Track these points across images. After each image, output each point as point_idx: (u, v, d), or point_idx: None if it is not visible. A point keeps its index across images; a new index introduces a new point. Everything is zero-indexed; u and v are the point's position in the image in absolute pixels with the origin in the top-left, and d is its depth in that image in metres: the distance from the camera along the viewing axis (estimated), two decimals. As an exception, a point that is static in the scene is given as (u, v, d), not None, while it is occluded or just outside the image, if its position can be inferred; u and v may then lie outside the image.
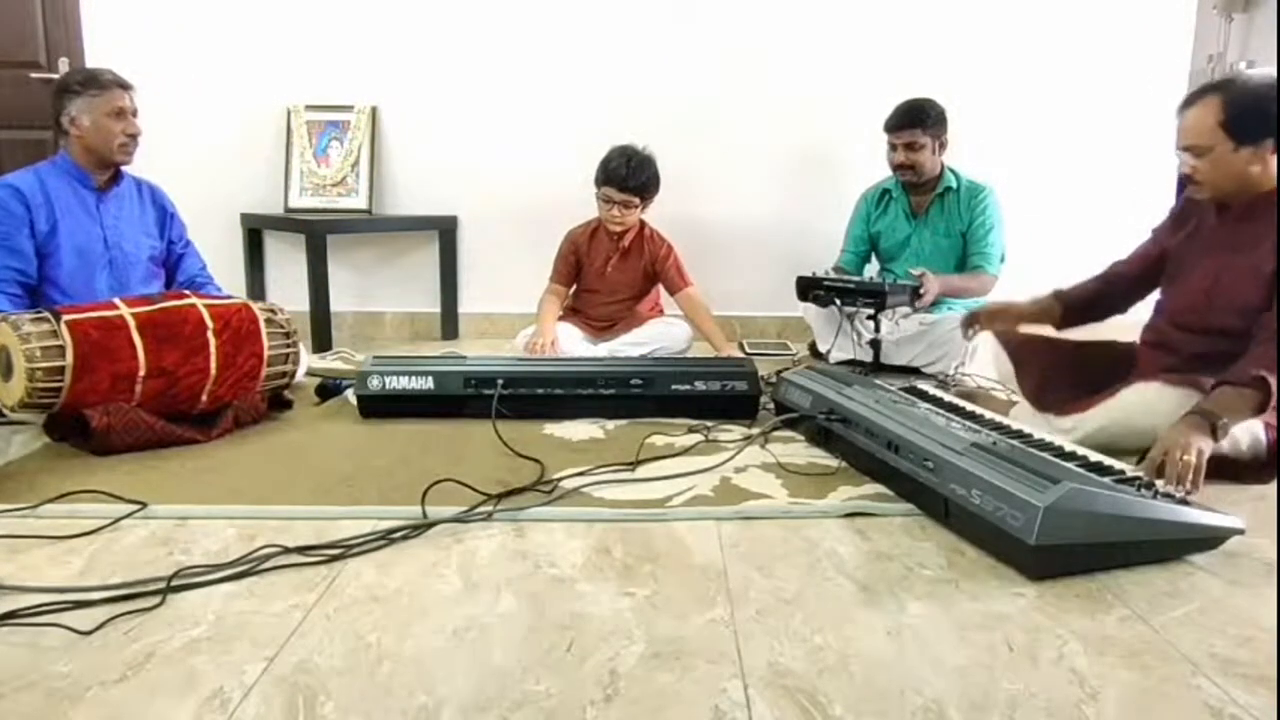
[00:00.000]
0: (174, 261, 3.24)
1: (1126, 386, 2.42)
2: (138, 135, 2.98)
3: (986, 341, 3.24)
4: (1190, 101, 2.40)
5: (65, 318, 2.41)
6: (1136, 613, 1.66)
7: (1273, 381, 2.14)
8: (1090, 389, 2.55)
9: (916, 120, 3.59)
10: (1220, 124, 2.32)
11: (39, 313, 2.46)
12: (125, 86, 2.95)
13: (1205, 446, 2.06)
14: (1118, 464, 2.05)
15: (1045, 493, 1.74)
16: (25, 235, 2.83)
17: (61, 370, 2.37)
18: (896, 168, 3.68)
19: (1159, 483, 1.95)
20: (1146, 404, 2.33)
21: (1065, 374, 2.64)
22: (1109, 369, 2.63)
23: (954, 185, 3.68)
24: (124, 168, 3.04)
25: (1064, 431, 2.45)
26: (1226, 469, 2.28)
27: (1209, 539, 1.90)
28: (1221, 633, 1.59)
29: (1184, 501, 1.89)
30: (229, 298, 2.86)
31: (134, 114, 2.96)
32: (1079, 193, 4.30)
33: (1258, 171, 2.35)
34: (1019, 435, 2.27)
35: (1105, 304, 2.82)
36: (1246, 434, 2.27)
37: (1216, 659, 1.50)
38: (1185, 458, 2.01)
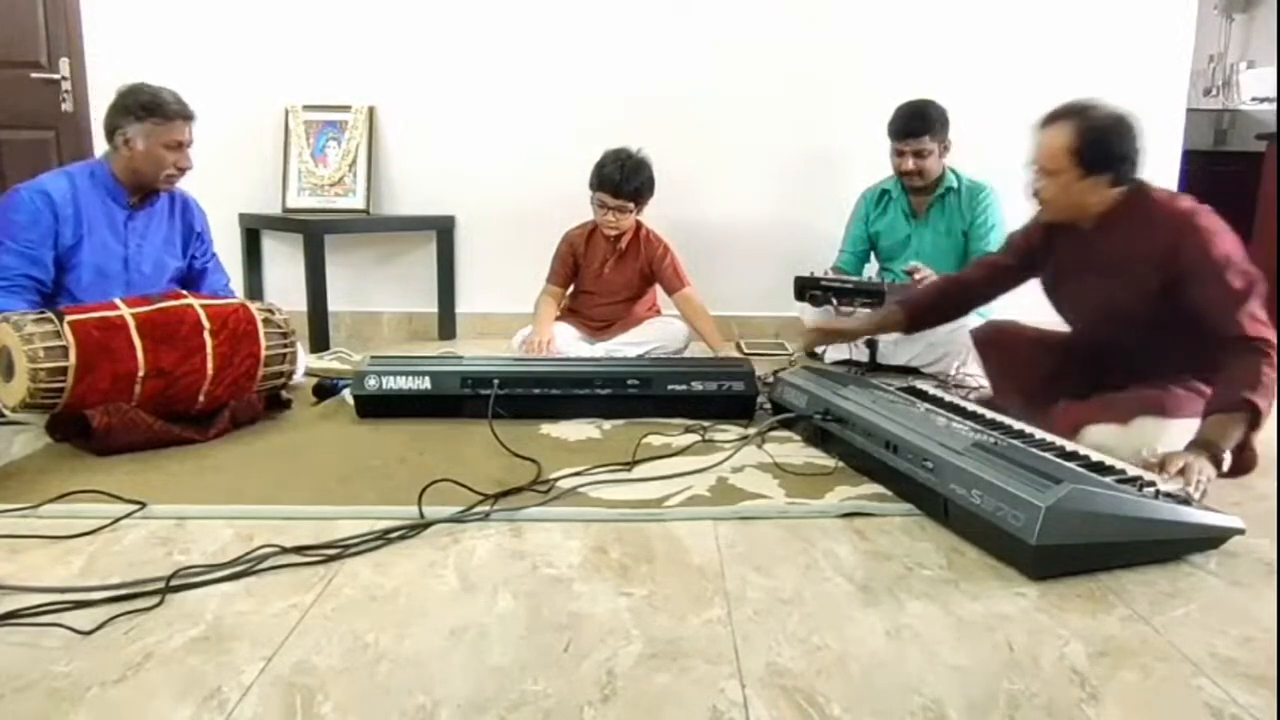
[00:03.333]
0: (194, 276, 3.18)
1: (1087, 425, 2.42)
2: (187, 169, 2.92)
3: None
4: (1048, 121, 2.47)
5: (68, 318, 2.41)
6: (1137, 613, 1.65)
7: (1259, 402, 2.16)
8: (1042, 383, 2.61)
9: (924, 128, 3.55)
10: (1071, 150, 2.39)
11: (42, 313, 2.45)
12: (188, 118, 2.89)
13: (1210, 472, 2.08)
14: (1119, 464, 2.05)
15: (1046, 492, 1.74)
16: (49, 246, 2.78)
17: (64, 370, 2.36)
18: (903, 174, 3.66)
19: (1159, 480, 1.95)
20: (1103, 443, 2.34)
21: (1040, 371, 2.66)
22: (1059, 363, 2.68)
23: (955, 185, 3.66)
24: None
25: None
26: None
27: (1209, 539, 1.90)
28: (1222, 633, 1.59)
29: (1185, 501, 1.89)
30: (227, 298, 2.86)
31: (189, 144, 2.90)
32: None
33: (1094, 200, 2.44)
34: (1020, 435, 2.27)
35: (945, 308, 2.96)
36: None
37: (1217, 659, 1.50)
38: (1199, 477, 2.02)
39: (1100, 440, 2.34)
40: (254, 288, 4.29)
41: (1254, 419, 2.18)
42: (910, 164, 3.58)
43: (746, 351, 3.91)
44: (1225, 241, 2.32)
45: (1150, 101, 4.21)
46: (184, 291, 2.76)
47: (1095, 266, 2.51)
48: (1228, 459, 2.19)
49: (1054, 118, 2.46)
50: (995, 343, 2.85)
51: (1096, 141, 2.38)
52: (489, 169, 4.26)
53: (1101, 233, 2.48)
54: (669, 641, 1.52)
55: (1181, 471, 2.04)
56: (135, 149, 2.84)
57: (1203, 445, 2.15)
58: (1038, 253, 2.69)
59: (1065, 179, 2.41)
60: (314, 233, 3.90)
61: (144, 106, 2.83)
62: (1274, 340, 2.23)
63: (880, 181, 3.83)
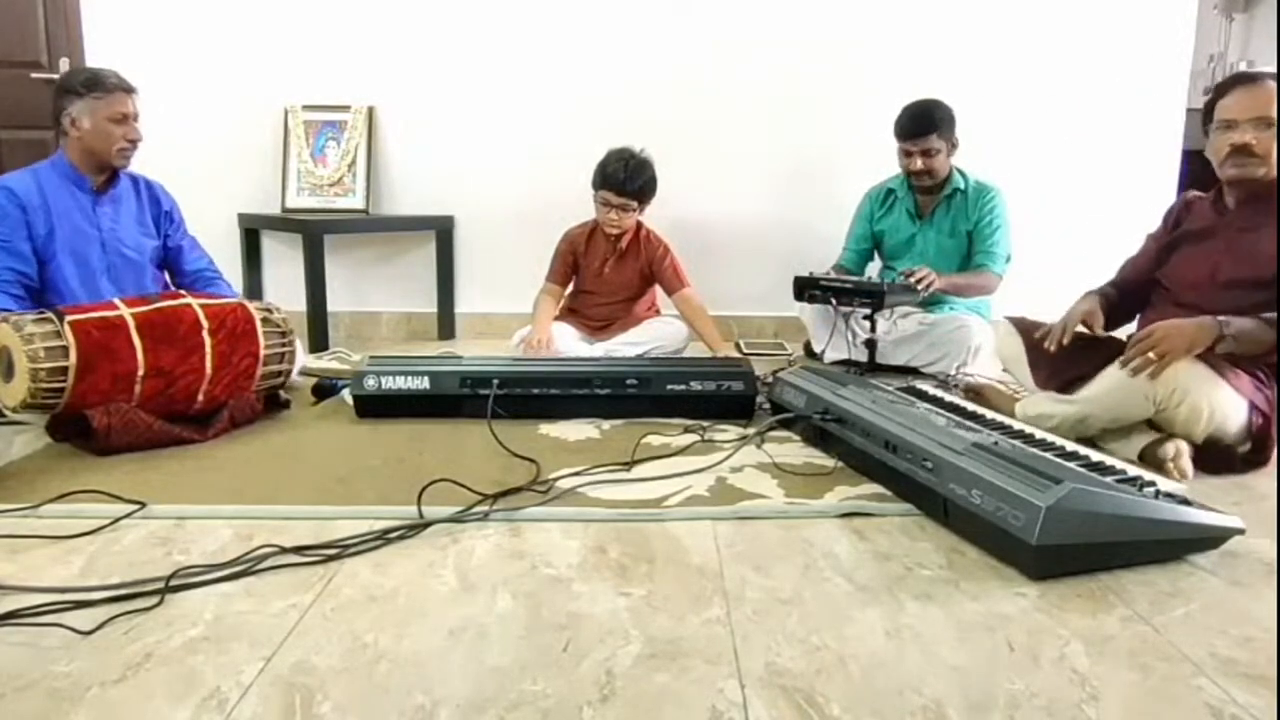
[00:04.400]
0: (171, 255, 3.20)
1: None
2: (138, 141, 2.95)
3: (989, 341, 3.23)
4: (1253, 80, 2.45)
5: (68, 318, 2.41)
6: (1138, 613, 1.65)
7: None
8: (1080, 378, 2.61)
9: (931, 126, 3.54)
10: None
11: (42, 313, 2.45)
12: (129, 90, 2.93)
13: (1184, 341, 2.14)
14: (1119, 464, 2.05)
15: (1047, 492, 1.74)
16: (23, 237, 2.81)
17: (65, 370, 2.36)
18: (912, 174, 3.65)
19: (1159, 480, 1.95)
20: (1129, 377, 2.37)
21: (1077, 362, 2.65)
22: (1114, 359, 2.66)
23: (962, 186, 3.66)
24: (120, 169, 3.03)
25: (1069, 403, 2.54)
26: (1221, 461, 2.36)
27: (1210, 539, 1.90)
28: (1222, 633, 1.59)
29: (1185, 502, 1.89)
30: (226, 298, 2.86)
31: (135, 118, 2.94)
32: (1080, 192, 4.30)
33: None
34: (1020, 435, 2.27)
35: (1124, 309, 2.84)
36: (1236, 411, 2.33)
37: (1217, 659, 1.50)
38: (1161, 344, 2.05)
39: (1096, 394, 2.41)
40: (253, 287, 4.29)
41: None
42: (919, 164, 3.58)
43: (746, 351, 3.92)
44: None
45: (1150, 101, 4.23)
46: (182, 291, 2.77)
47: (1228, 229, 2.53)
48: (1232, 424, 2.23)
49: (1251, 78, 2.46)
50: (1030, 332, 2.86)
51: None
52: (489, 169, 4.26)
53: (1245, 207, 2.51)
54: (668, 641, 1.52)
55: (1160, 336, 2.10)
56: (83, 127, 2.87)
57: (1217, 321, 2.19)
58: (1174, 227, 2.71)
59: None
60: (313, 233, 3.90)
61: (83, 83, 2.87)
62: None
63: (886, 180, 3.83)
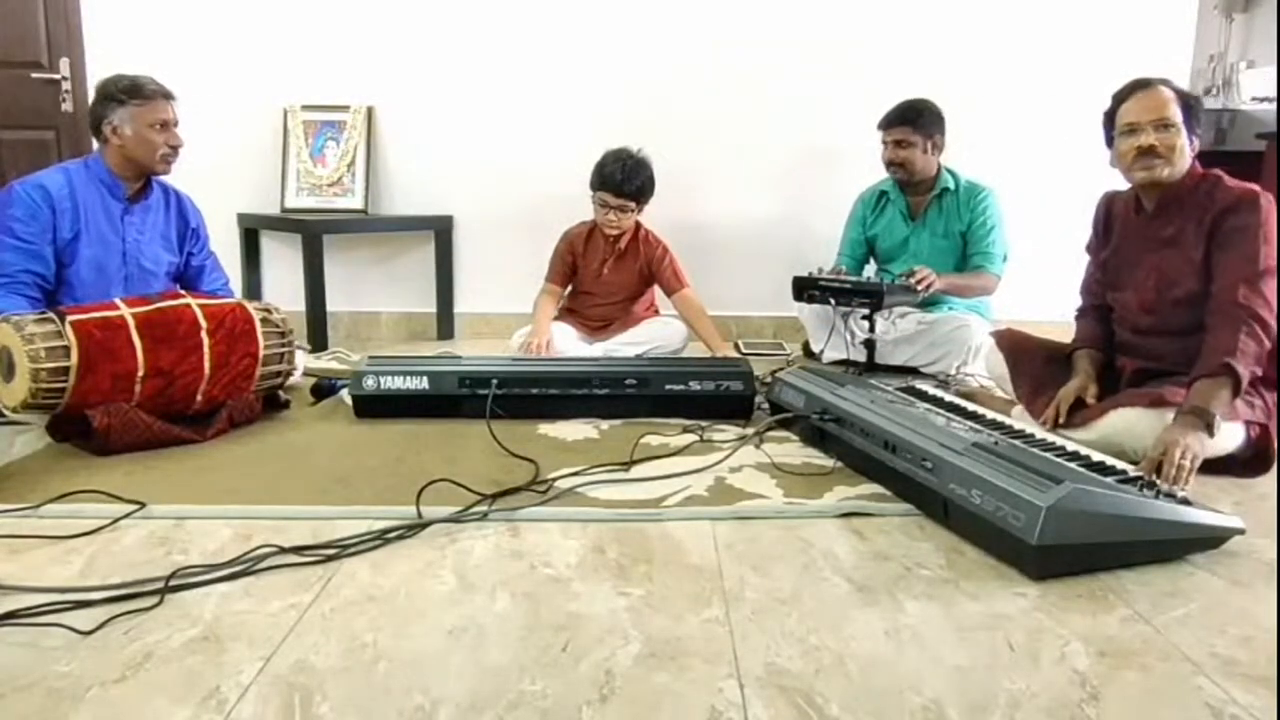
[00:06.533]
0: (192, 274, 3.18)
1: (1112, 409, 2.43)
2: (180, 146, 2.93)
3: (988, 340, 3.24)
4: (1149, 85, 2.48)
5: (70, 318, 2.40)
6: (1138, 613, 1.65)
7: (1238, 367, 2.23)
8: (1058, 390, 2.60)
9: (908, 119, 3.57)
10: (1179, 104, 2.44)
11: (43, 313, 2.45)
12: (169, 97, 2.91)
13: (1199, 446, 2.13)
14: (1120, 464, 2.05)
15: (1047, 493, 1.74)
16: (48, 240, 2.79)
17: (66, 371, 2.36)
18: (887, 165, 3.68)
19: (1159, 482, 1.95)
20: (1128, 427, 2.37)
21: (1059, 378, 2.64)
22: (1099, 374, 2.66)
23: (952, 186, 3.66)
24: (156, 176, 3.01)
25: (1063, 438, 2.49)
26: (1226, 466, 2.36)
27: (1210, 539, 1.90)
28: (1222, 633, 1.59)
29: (1185, 502, 1.89)
30: (225, 298, 2.85)
31: (176, 124, 2.92)
32: (1081, 193, 4.28)
33: (1187, 165, 2.47)
34: (1020, 435, 2.27)
35: (1107, 333, 2.79)
36: (1231, 437, 2.33)
37: (1217, 659, 1.50)
38: (1182, 460, 2.07)
39: (1124, 424, 2.37)
40: (252, 288, 4.29)
41: (1235, 384, 2.24)
42: (890, 154, 3.63)
43: (745, 351, 3.91)
44: (1270, 227, 2.36)
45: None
46: (182, 291, 2.76)
47: (1155, 244, 2.54)
48: (1230, 444, 2.24)
49: (1147, 83, 2.49)
50: (1014, 347, 2.87)
51: (1190, 102, 2.46)
52: (487, 169, 4.25)
53: (1162, 212, 2.52)
54: (667, 641, 1.52)
55: (1181, 455, 2.08)
56: (124, 135, 2.85)
57: (1191, 412, 2.19)
58: (1106, 235, 2.72)
59: (1180, 130, 2.43)
60: (312, 233, 3.90)
61: (123, 91, 2.84)
62: (1262, 314, 2.29)
63: (878, 183, 3.83)
